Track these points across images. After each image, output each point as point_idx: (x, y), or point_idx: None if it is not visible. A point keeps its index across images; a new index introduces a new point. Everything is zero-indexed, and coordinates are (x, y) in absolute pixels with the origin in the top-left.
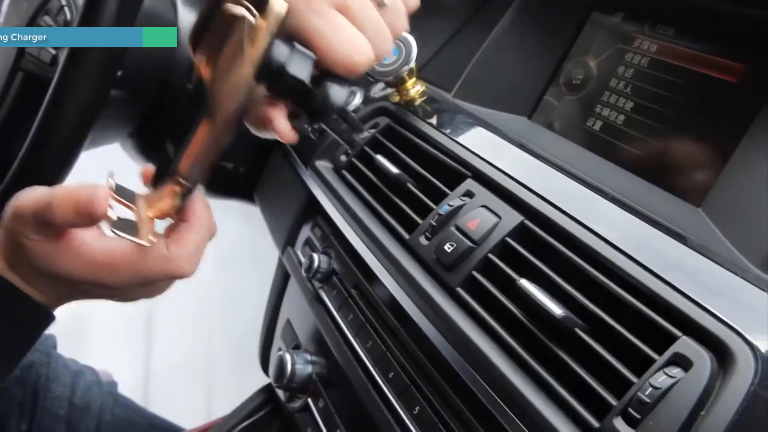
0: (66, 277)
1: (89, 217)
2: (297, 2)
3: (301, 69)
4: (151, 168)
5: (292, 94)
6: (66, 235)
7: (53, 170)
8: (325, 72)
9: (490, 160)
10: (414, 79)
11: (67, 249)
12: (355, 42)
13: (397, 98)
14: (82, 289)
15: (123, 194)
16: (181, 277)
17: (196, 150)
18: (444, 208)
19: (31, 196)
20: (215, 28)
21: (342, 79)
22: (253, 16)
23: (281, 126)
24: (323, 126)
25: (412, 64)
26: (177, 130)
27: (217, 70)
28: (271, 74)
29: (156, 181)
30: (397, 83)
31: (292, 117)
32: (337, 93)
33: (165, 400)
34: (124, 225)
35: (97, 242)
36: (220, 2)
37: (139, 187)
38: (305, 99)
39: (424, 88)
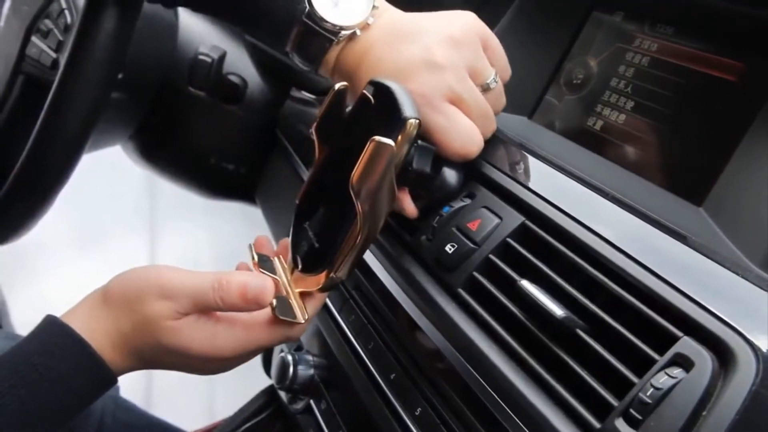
0: (183, 351)
1: (256, 305)
2: (420, 104)
3: (424, 162)
4: (263, 240)
5: (415, 182)
6: (218, 314)
7: (55, 173)
8: (440, 158)
9: (491, 161)
10: None
11: (219, 326)
12: (470, 134)
13: None
14: (181, 364)
15: (264, 265)
16: (290, 341)
17: (349, 253)
18: (445, 209)
19: (182, 281)
20: (345, 128)
21: (456, 164)
22: (395, 139)
23: (408, 206)
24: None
25: None
26: (177, 131)
27: (365, 188)
28: (401, 170)
29: (299, 263)
30: None
31: (413, 196)
32: (452, 176)
33: (167, 402)
34: (281, 306)
35: (250, 318)
36: (367, 133)
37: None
38: (425, 184)
39: None
